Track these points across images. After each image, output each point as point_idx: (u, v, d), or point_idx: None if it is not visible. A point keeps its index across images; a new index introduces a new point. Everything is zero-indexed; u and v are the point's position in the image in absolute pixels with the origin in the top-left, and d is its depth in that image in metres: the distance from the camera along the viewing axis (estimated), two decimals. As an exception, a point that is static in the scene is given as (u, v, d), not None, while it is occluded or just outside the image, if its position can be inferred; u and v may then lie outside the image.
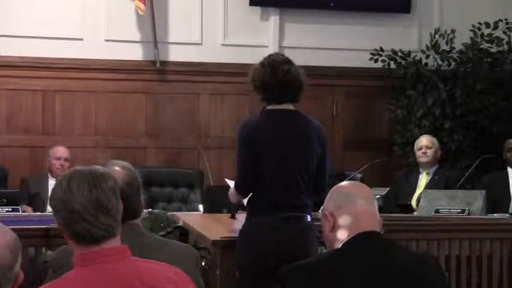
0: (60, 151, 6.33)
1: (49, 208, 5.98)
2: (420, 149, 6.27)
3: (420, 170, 6.29)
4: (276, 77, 3.78)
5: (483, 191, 5.37)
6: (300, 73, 3.85)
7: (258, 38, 7.40)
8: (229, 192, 4.07)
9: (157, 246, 2.58)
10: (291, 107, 3.85)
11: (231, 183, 4.23)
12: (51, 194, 2.03)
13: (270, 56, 3.96)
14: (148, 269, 1.99)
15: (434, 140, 6.36)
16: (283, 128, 3.78)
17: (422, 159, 6.24)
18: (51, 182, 6.25)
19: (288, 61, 3.86)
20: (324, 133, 3.91)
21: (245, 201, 4.01)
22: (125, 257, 1.98)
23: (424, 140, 6.33)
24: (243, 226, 3.81)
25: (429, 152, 6.24)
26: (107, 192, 1.98)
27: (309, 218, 3.78)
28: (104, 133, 7.16)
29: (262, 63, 3.86)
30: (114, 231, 1.98)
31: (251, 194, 3.83)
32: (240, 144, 3.78)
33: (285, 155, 3.75)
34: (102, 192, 1.97)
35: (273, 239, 3.66)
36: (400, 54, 7.36)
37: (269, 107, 3.85)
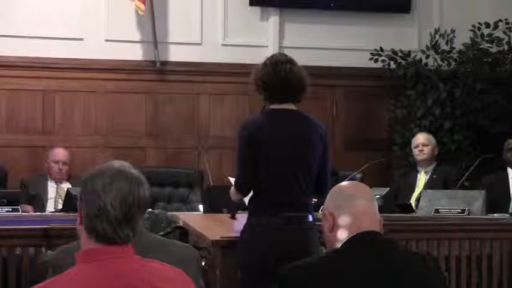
0: (59, 154, 6.31)
1: (49, 208, 5.99)
2: (417, 146, 6.28)
3: (418, 168, 6.30)
4: (278, 76, 3.77)
5: (483, 191, 5.37)
6: (302, 73, 3.85)
7: (258, 38, 7.40)
8: (230, 191, 4.08)
9: (157, 246, 2.58)
10: (292, 106, 3.84)
11: (233, 181, 4.23)
12: (87, 178, 1.99)
13: (272, 56, 3.96)
14: (149, 267, 1.99)
15: (431, 137, 6.36)
16: (284, 128, 3.77)
17: (420, 157, 6.25)
18: (51, 184, 6.25)
19: (290, 61, 3.85)
20: (325, 133, 3.90)
21: (246, 200, 4.00)
22: (128, 256, 1.98)
23: (420, 138, 6.33)
24: (244, 226, 3.81)
25: (426, 149, 6.25)
26: (140, 204, 1.97)
27: (310, 218, 3.78)
28: (104, 133, 7.16)
29: (264, 63, 3.86)
30: (129, 241, 1.98)
31: (252, 193, 3.82)
32: (241, 143, 3.77)
33: (286, 154, 3.74)
34: (136, 204, 1.96)
35: (274, 239, 3.66)
36: (400, 54, 7.37)
37: (271, 107, 3.85)
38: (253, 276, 3.68)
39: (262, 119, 3.81)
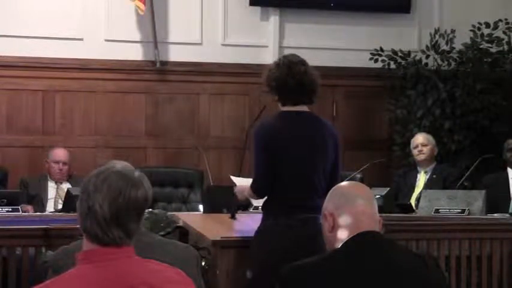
0: (59, 154, 6.31)
1: (48, 208, 5.99)
2: (416, 147, 6.29)
3: (418, 168, 6.30)
4: (293, 77, 3.77)
5: (483, 191, 5.37)
6: (315, 74, 3.85)
7: (258, 38, 7.40)
8: (236, 190, 4.07)
9: (157, 246, 2.58)
10: (305, 108, 3.84)
11: (236, 180, 4.21)
12: (86, 179, 1.99)
13: (285, 56, 3.94)
14: (149, 268, 1.99)
15: (430, 137, 6.37)
16: (299, 130, 3.77)
17: (419, 157, 6.26)
18: (51, 184, 6.25)
19: (303, 62, 3.84)
20: (337, 135, 3.91)
21: (254, 201, 3.99)
22: (129, 256, 1.98)
23: (419, 138, 6.34)
24: (260, 227, 3.79)
25: (425, 149, 6.26)
26: (130, 206, 1.96)
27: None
28: (104, 133, 7.16)
29: (277, 64, 3.84)
30: (122, 242, 1.96)
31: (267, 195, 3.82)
32: (258, 146, 3.75)
33: (301, 156, 3.74)
34: (125, 206, 1.95)
35: (290, 241, 3.65)
36: (400, 54, 7.37)
37: (284, 109, 3.84)
38: (265, 276, 3.65)
39: (278, 122, 3.80)
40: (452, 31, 7.35)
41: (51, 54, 6.95)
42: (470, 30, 7.23)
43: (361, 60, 7.42)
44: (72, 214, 4.65)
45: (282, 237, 3.68)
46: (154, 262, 2.04)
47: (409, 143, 6.56)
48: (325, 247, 3.65)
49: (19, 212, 5.15)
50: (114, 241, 1.95)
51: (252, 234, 3.82)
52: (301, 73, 3.79)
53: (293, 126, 3.78)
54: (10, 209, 5.11)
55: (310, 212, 3.71)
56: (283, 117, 3.82)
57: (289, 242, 3.65)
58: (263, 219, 3.82)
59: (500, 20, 7.24)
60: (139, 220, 2.00)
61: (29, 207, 5.66)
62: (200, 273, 2.74)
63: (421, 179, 6.23)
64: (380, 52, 7.32)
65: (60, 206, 5.83)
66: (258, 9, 7.43)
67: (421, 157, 6.25)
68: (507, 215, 5.39)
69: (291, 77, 3.77)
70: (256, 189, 3.83)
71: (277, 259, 3.57)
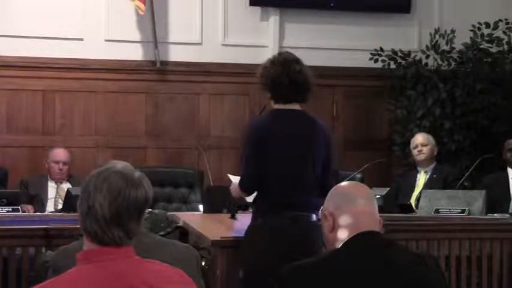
0: (59, 155, 6.30)
1: (48, 208, 5.99)
2: (416, 147, 6.29)
3: (418, 168, 6.30)
4: (287, 76, 3.77)
5: (483, 191, 5.37)
6: (309, 73, 3.86)
7: (258, 38, 7.40)
8: (231, 187, 4.08)
9: (157, 246, 2.58)
10: (297, 107, 3.85)
11: (234, 178, 4.22)
12: (86, 178, 2.00)
13: (280, 54, 3.95)
14: (150, 268, 2.00)
15: (430, 137, 6.37)
16: (290, 128, 3.78)
17: (419, 157, 6.26)
18: (51, 184, 6.25)
19: (298, 61, 3.85)
20: (329, 133, 3.92)
21: (248, 198, 4.00)
22: (129, 256, 1.98)
23: (419, 138, 6.34)
24: (249, 226, 3.80)
25: (425, 149, 6.26)
26: (130, 206, 1.96)
27: (314, 217, 3.77)
28: (104, 133, 7.16)
29: (272, 61, 3.85)
30: (122, 242, 1.97)
31: (256, 193, 3.82)
32: (247, 143, 3.77)
33: (291, 155, 3.75)
34: (125, 206, 1.95)
35: (280, 239, 3.66)
36: (400, 54, 7.37)
37: (276, 107, 3.84)
38: (256, 276, 3.66)
39: (269, 120, 3.81)
40: (452, 31, 7.35)
41: (51, 54, 6.95)
42: (470, 30, 7.23)
43: (361, 60, 7.42)
44: (72, 214, 4.66)
45: (272, 236, 3.68)
46: (154, 262, 2.04)
47: (409, 143, 6.56)
48: (317, 244, 3.67)
49: (19, 212, 5.15)
50: (114, 241, 1.95)
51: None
52: (295, 72, 3.79)
53: (284, 124, 3.78)
54: (10, 209, 5.12)
55: (300, 210, 3.72)
56: (274, 116, 3.82)
57: (280, 241, 3.66)
58: (252, 219, 3.82)
59: (500, 20, 7.24)
60: (139, 220, 2.00)
61: (29, 207, 5.66)
62: (200, 273, 2.74)
63: (421, 179, 6.23)
64: (380, 52, 7.32)
65: (60, 206, 5.83)
66: (258, 9, 7.43)
67: (421, 157, 6.25)
68: (507, 215, 5.39)
69: (285, 75, 3.78)
70: (244, 187, 3.84)
71: (268, 258, 3.59)
